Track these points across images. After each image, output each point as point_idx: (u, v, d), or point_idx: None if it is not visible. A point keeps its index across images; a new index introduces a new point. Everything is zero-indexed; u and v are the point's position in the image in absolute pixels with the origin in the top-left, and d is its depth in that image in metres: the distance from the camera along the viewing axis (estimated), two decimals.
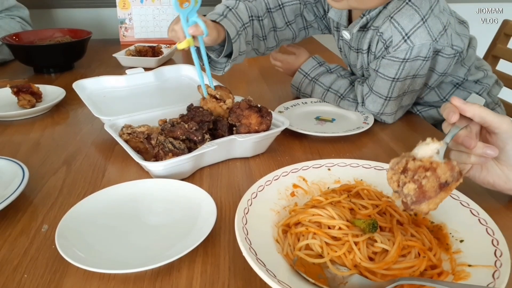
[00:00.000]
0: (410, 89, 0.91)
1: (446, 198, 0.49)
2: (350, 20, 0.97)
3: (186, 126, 0.75)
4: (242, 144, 0.77)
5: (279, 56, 1.15)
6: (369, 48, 0.93)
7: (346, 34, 0.99)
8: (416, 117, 1.02)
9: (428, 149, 0.50)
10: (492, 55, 1.43)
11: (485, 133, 0.59)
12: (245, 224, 0.53)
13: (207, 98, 0.83)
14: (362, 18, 0.91)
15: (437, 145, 0.50)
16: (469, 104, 0.55)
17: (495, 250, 0.49)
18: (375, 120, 0.93)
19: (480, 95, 1.01)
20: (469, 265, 0.48)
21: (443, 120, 0.57)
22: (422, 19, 0.84)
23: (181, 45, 0.79)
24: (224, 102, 0.82)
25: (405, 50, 0.85)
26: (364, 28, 0.93)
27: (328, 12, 1.03)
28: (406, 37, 0.84)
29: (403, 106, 0.96)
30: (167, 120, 0.80)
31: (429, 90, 0.98)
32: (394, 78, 0.88)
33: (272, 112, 0.82)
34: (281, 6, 1.03)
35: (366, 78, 0.98)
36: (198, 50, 0.83)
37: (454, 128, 0.54)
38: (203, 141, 0.74)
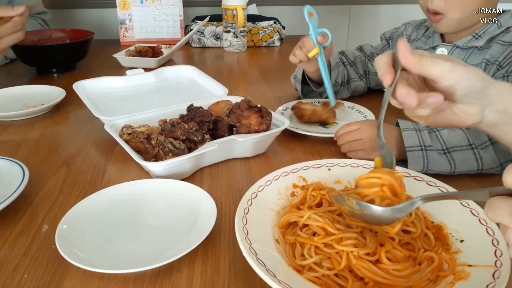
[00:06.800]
0: None
1: (447, 200, 0.48)
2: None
3: (186, 126, 0.75)
4: (242, 144, 0.77)
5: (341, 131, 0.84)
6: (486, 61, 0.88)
7: (444, 51, 0.95)
8: None
9: None
10: None
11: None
12: (245, 224, 0.53)
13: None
14: (475, 36, 0.88)
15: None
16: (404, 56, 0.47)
17: (495, 250, 0.49)
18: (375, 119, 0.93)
19: None
20: (469, 265, 0.48)
21: None
22: None
23: (311, 53, 0.92)
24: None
25: None
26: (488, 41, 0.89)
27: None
28: None
29: None
30: (167, 120, 0.81)
31: None
32: None
33: (272, 112, 0.82)
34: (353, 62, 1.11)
35: None
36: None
37: (385, 97, 0.50)
38: (203, 141, 0.74)
